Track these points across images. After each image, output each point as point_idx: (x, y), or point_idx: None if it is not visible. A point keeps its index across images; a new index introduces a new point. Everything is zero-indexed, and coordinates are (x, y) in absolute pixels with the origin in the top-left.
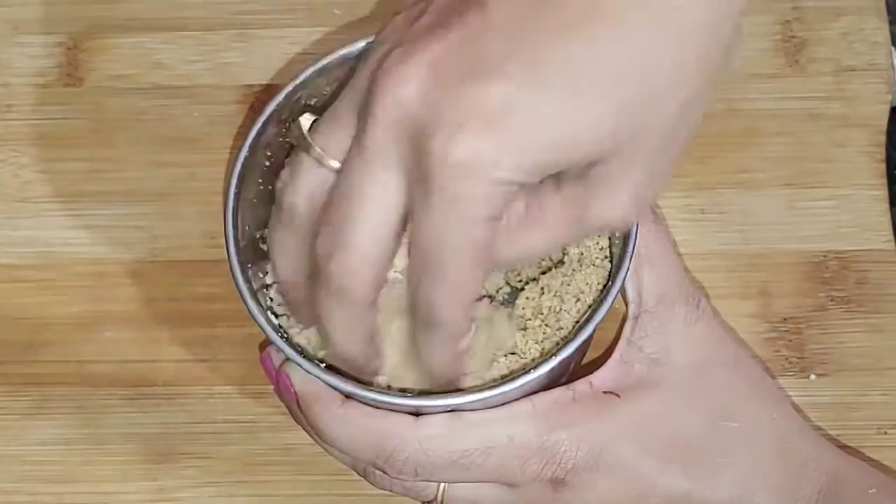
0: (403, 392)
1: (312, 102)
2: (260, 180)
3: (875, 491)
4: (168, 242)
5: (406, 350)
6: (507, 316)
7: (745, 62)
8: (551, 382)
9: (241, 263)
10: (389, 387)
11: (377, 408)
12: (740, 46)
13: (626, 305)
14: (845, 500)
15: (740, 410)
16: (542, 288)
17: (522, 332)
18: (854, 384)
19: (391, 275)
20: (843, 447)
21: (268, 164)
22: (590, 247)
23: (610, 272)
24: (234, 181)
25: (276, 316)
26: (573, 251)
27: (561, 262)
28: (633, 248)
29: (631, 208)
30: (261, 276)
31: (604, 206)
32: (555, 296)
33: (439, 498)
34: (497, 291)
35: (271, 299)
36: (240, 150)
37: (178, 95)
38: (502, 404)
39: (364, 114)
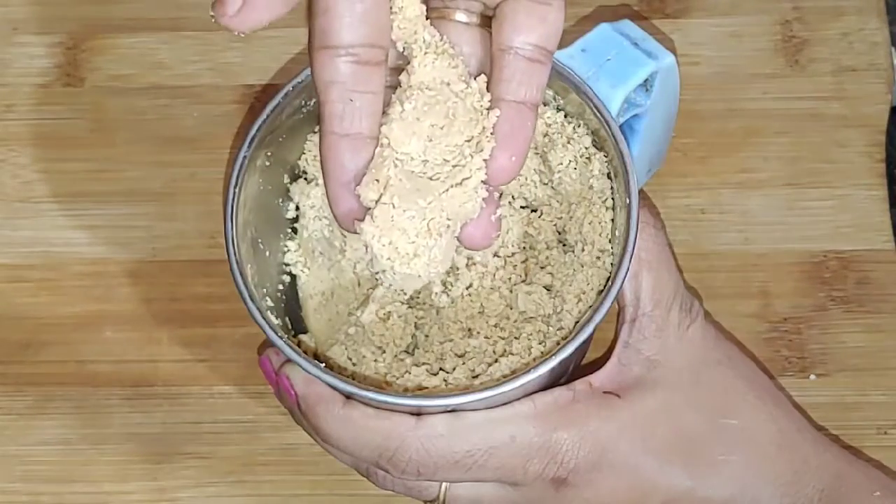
0: (404, 392)
1: (312, 103)
2: (260, 180)
3: (879, 494)
4: (168, 242)
5: None
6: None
7: (745, 62)
8: (551, 382)
9: (240, 263)
10: (389, 384)
11: (378, 408)
12: (741, 47)
13: (621, 309)
14: (849, 501)
15: (739, 408)
16: (544, 287)
17: (521, 334)
18: (854, 384)
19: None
20: (845, 447)
21: (268, 164)
22: (591, 245)
23: (610, 273)
24: (234, 181)
25: (276, 316)
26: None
27: (563, 262)
28: (633, 249)
29: None
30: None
31: None
32: (555, 296)
33: (441, 497)
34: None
35: (270, 299)
36: (240, 150)
37: (178, 95)
38: (503, 404)
39: None
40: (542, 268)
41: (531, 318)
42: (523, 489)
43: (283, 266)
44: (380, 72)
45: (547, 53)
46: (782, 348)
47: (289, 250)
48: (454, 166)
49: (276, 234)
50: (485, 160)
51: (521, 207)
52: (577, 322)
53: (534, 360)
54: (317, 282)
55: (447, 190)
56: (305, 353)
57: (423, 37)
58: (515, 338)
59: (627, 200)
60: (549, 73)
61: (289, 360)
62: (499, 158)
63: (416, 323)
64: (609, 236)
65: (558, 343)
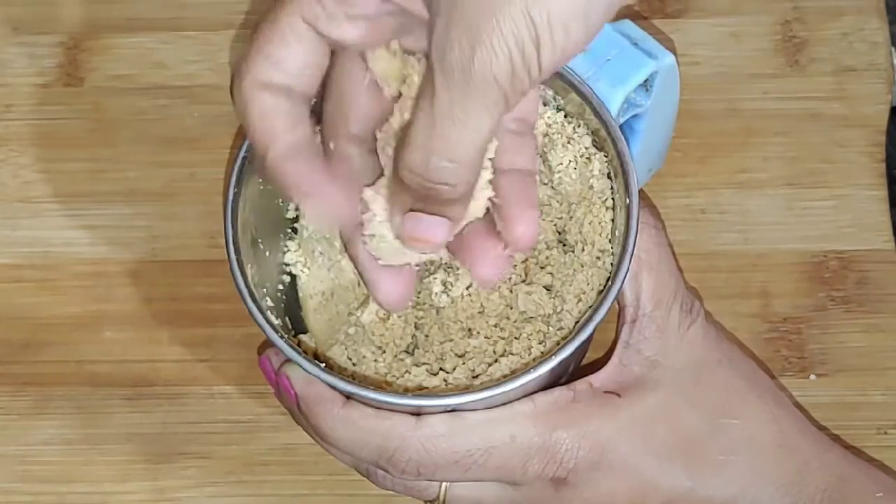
0: (404, 392)
1: (311, 102)
2: (260, 180)
3: (882, 495)
4: (168, 242)
5: None
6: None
7: (745, 62)
8: (551, 382)
9: (240, 263)
10: (389, 384)
11: (378, 408)
12: (741, 47)
13: (622, 309)
14: (851, 502)
15: (740, 408)
16: (544, 287)
17: (521, 334)
18: (854, 384)
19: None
20: (845, 447)
21: None
22: (591, 245)
23: (610, 273)
24: (234, 181)
25: (276, 316)
26: (577, 249)
27: (563, 262)
28: (633, 249)
29: None
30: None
31: None
32: (555, 296)
33: (441, 497)
34: None
35: (270, 299)
36: (240, 149)
37: (178, 95)
38: (503, 404)
39: None
40: (542, 268)
41: (531, 318)
42: (523, 489)
43: (283, 266)
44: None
45: (528, 125)
46: (782, 348)
47: (289, 250)
48: None
49: (276, 234)
50: (490, 158)
51: None
52: (577, 322)
53: (534, 360)
54: (317, 282)
55: None
56: (305, 353)
57: (407, 71)
58: (515, 338)
59: (627, 200)
60: (535, 144)
61: (289, 360)
62: (517, 226)
63: (416, 323)
64: (609, 236)
65: (558, 343)
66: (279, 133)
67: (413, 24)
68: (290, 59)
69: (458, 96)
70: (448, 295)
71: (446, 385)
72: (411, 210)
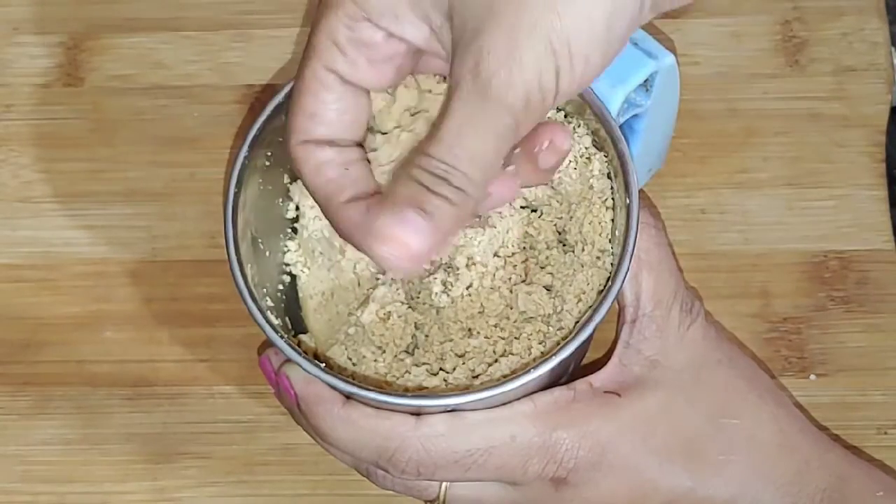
0: (404, 392)
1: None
2: (260, 180)
3: (882, 494)
4: (168, 242)
5: None
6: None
7: (745, 62)
8: (551, 382)
9: (240, 263)
10: (389, 384)
11: (378, 408)
12: (741, 47)
13: (622, 310)
14: (852, 501)
15: (740, 408)
16: (544, 287)
17: (521, 334)
18: (854, 384)
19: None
20: (846, 447)
21: (268, 164)
22: (591, 245)
23: (610, 273)
24: (234, 181)
25: (276, 316)
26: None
27: (563, 262)
28: (633, 249)
29: None
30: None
31: None
32: (556, 296)
33: (441, 497)
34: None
35: (270, 299)
36: (240, 150)
37: (178, 95)
38: (503, 404)
39: None
40: (542, 268)
41: (531, 318)
42: (523, 489)
43: (283, 266)
44: (361, 149)
45: None
46: (782, 348)
47: (289, 250)
48: None
49: (276, 234)
50: None
51: (521, 207)
52: (577, 322)
53: (534, 360)
54: (317, 282)
55: None
56: (305, 353)
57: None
58: (515, 338)
59: (627, 200)
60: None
61: (289, 360)
62: (556, 138)
63: (416, 323)
64: (609, 236)
65: (558, 343)
66: (334, 183)
67: (428, 60)
68: (323, 110)
69: (468, 121)
70: (448, 295)
71: (446, 385)
72: (406, 203)
